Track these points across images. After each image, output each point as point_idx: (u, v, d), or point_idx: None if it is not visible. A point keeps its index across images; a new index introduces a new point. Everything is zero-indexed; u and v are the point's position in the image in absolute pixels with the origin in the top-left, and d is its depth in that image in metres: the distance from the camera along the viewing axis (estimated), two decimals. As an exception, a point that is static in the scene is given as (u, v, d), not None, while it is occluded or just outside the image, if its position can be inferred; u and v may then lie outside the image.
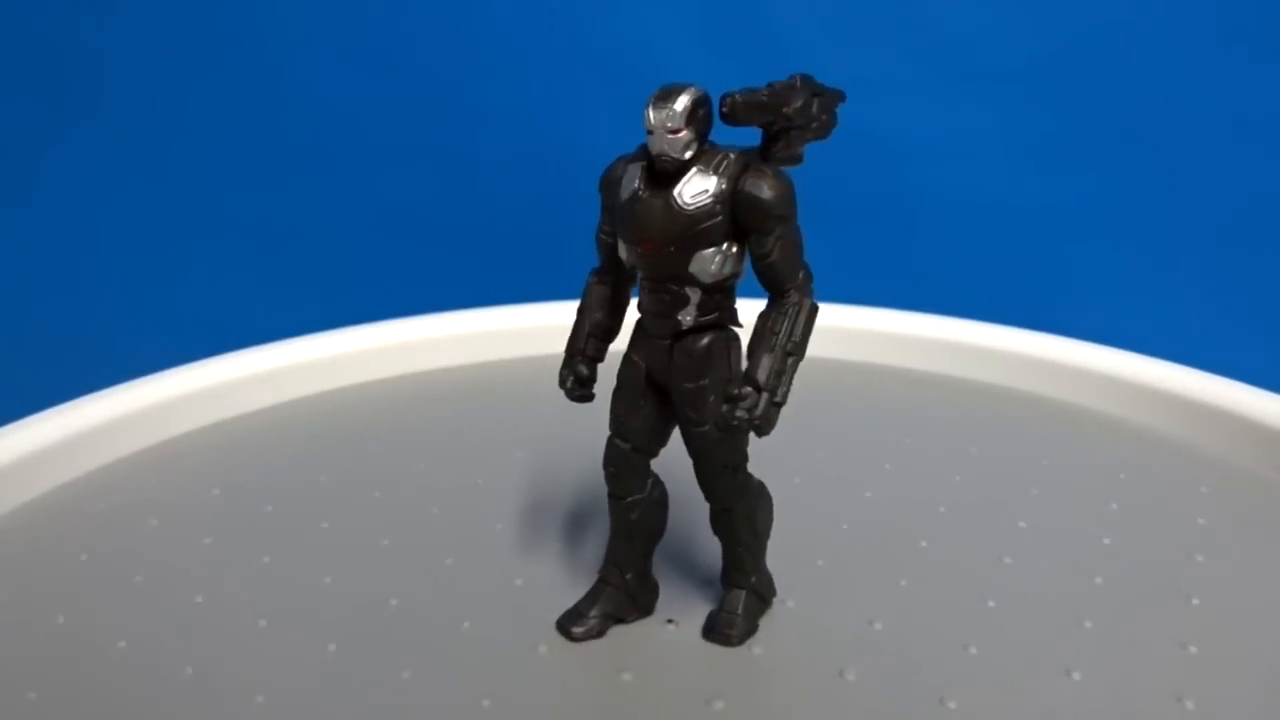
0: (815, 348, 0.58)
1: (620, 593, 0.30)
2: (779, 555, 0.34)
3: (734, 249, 0.26)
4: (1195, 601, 0.33)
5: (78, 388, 0.43)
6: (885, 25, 0.68)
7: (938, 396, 0.49)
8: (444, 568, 0.34)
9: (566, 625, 0.30)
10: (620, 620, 0.31)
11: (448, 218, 0.73)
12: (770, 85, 0.25)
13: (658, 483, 0.30)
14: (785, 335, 0.26)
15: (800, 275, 0.26)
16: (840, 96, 0.27)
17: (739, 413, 0.25)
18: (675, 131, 0.25)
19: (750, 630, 0.30)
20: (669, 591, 0.32)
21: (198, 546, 0.35)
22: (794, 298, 0.26)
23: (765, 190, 0.25)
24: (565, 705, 0.28)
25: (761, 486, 0.30)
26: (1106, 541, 0.36)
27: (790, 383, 0.26)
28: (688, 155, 0.25)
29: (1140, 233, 0.71)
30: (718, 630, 0.30)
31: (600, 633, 0.30)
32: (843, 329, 0.53)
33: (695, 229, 0.25)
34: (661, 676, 0.29)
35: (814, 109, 0.26)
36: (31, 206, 0.70)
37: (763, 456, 0.41)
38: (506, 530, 0.36)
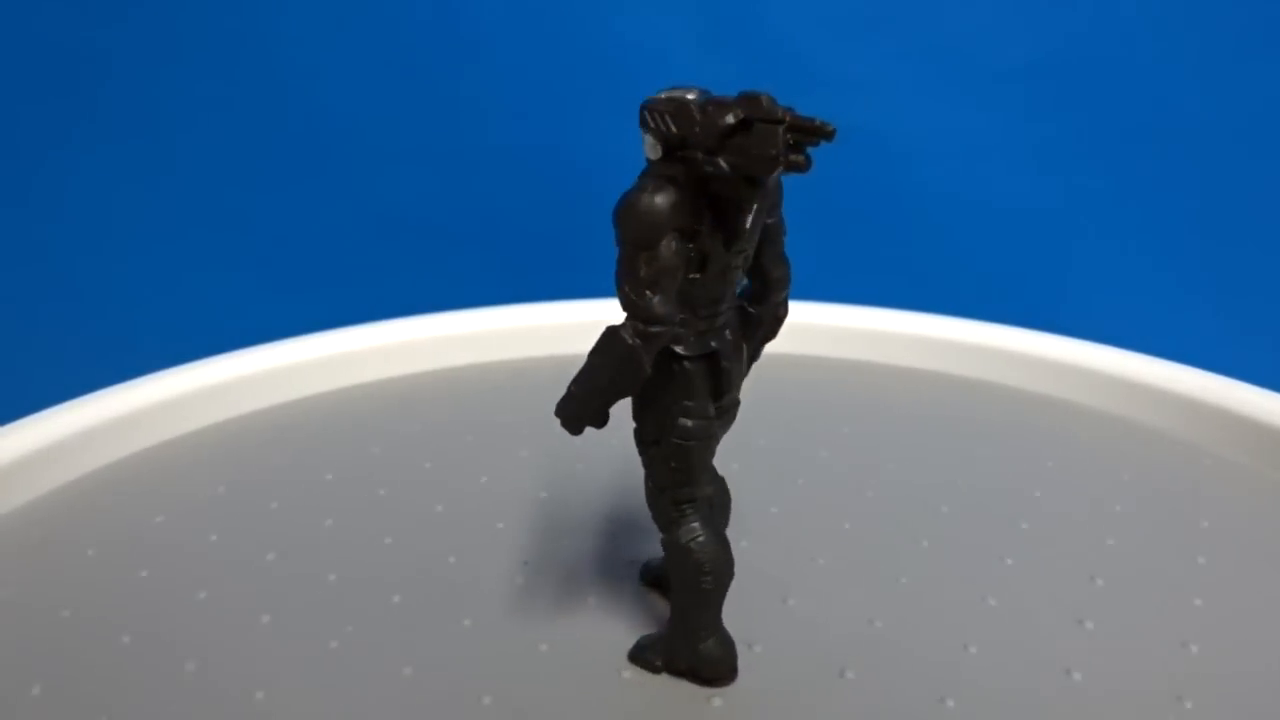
0: (815, 348, 0.57)
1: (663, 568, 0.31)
2: (778, 552, 0.34)
3: None
4: (1197, 602, 0.33)
5: (78, 388, 0.43)
6: (885, 25, 0.68)
7: (938, 395, 0.49)
8: (446, 566, 0.34)
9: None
10: (662, 591, 0.32)
11: (448, 218, 0.73)
12: (737, 98, 0.22)
13: None
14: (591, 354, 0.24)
15: (628, 307, 0.23)
16: (804, 128, 0.21)
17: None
18: (644, 132, 0.25)
19: (645, 665, 0.29)
20: None
21: (200, 545, 0.35)
22: (618, 327, 0.24)
23: (619, 202, 0.23)
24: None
25: (690, 548, 0.27)
26: (1108, 542, 0.36)
27: (579, 407, 0.24)
28: (653, 157, 0.25)
29: (1140, 233, 0.71)
30: (637, 641, 0.30)
31: (648, 584, 0.33)
32: (844, 329, 0.54)
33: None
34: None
35: (742, 136, 0.22)
36: (32, 206, 0.70)
37: (765, 453, 0.41)
38: (508, 529, 0.36)
